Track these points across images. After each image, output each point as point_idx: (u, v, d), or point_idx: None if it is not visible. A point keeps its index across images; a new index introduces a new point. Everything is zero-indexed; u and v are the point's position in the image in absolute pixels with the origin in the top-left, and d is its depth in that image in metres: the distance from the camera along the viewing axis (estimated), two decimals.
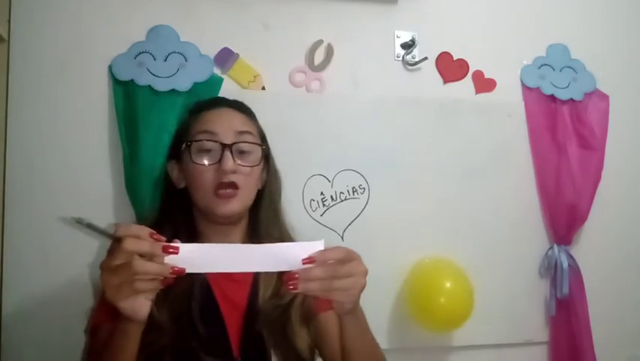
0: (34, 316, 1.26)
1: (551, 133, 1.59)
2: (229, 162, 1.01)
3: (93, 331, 1.01)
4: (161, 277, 0.76)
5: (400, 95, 1.51)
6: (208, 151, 1.04)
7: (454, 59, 1.57)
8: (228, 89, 1.37)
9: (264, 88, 1.43)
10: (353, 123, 1.47)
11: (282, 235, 1.11)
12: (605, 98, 1.64)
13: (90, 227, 0.75)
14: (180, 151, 1.08)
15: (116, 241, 0.76)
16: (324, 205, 1.44)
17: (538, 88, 1.60)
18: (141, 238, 0.76)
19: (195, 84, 1.34)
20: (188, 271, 0.77)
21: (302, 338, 1.02)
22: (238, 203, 1.04)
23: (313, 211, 1.43)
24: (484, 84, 1.58)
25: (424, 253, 1.47)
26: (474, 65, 1.57)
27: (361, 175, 1.46)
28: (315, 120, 1.44)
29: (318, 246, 0.80)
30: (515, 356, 1.54)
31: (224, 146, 1.03)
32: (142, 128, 1.29)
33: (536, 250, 1.57)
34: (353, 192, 1.46)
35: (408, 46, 1.53)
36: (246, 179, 1.04)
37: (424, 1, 1.56)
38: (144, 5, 1.38)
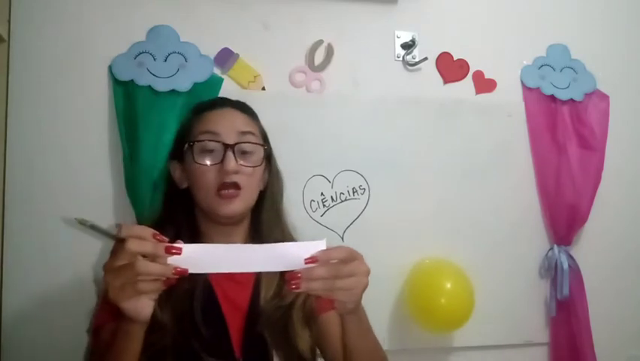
0: (34, 316, 1.26)
1: (551, 133, 1.59)
2: (231, 162, 1.02)
3: (96, 331, 1.01)
4: (164, 278, 0.76)
5: (400, 96, 1.51)
6: (210, 151, 1.04)
7: (455, 59, 1.57)
8: (228, 90, 1.37)
9: (264, 88, 1.43)
10: (353, 123, 1.47)
11: (284, 235, 1.11)
12: (605, 98, 1.64)
13: (94, 228, 0.76)
14: (183, 151, 1.08)
15: (120, 241, 0.76)
16: (324, 206, 1.43)
17: (538, 88, 1.60)
18: (144, 239, 0.76)
19: (195, 84, 1.34)
20: (190, 271, 0.77)
21: (303, 339, 1.02)
22: (240, 203, 1.04)
23: (313, 212, 1.42)
24: (484, 84, 1.58)
25: (424, 253, 1.47)
26: (474, 66, 1.57)
27: (361, 176, 1.46)
28: (315, 120, 1.44)
29: (320, 245, 0.81)
30: (516, 356, 1.54)
31: (226, 146, 1.03)
32: (142, 128, 1.29)
33: (536, 251, 1.57)
34: (353, 192, 1.46)
35: (408, 46, 1.53)
36: (248, 179, 1.05)
37: (424, 1, 1.56)
38: (144, 5, 1.38)
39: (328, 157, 1.44)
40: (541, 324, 1.56)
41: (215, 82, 1.37)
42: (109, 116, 1.33)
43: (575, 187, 1.56)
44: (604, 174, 1.60)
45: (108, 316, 0.92)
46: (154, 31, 1.36)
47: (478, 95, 1.58)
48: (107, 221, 1.29)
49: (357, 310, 0.90)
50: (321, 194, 1.43)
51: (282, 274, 0.85)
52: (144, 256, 0.75)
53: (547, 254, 1.56)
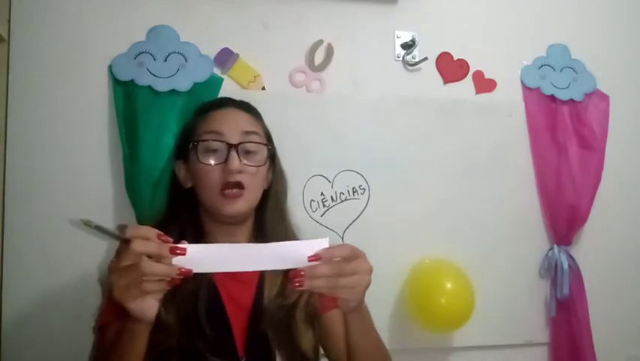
0: (34, 316, 1.26)
1: (551, 133, 1.59)
2: (235, 161, 1.02)
3: (101, 330, 1.02)
4: (169, 278, 0.77)
5: (400, 95, 1.51)
6: (214, 151, 1.05)
7: (455, 59, 1.57)
8: (228, 90, 1.37)
9: (264, 88, 1.43)
10: (353, 123, 1.47)
11: (287, 234, 1.12)
12: (605, 98, 1.64)
13: (99, 229, 0.76)
14: (187, 151, 1.09)
15: (125, 242, 0.77)
16: (324, 206, 1.43)
17: (538, 88, 1.60)
18: (149, 240, 0.77)
19: (195, 84, 1.34)
20: (195, 271, 0.78)
21: (306, 338, 1.02)
22: (244, 203, 1.04)
23: (313, 212, 1.42)
24: (484, 84, 1.58)
25: (424, 253, 1.47)
26: (474, 65, 1.57)
27: (361, 175, 1.46)
28: (315, 120, 1.44)
29: (323, 243, 0.81)
30: (516, 356, 1.54)
31: (230, 146, 1.04)
32: (142, 128, 1.29)
33: (536, 251, 1.57)
34: (353, 192, 1.46)
35: (408, 46, 1.53)
36: (252, 179, 1.05)
37: (424, 1, 1.56)
38: (144, 5, 1.38)
39: (328, 157, 1.44)
40: (541, 324, 1.56)
41: (215, 82, 1.37)
42: (109, 116, 1.33)
43: (575, 187, 1.56)
44: (604, 174, 1.60)
45: (113, 316, 0.93)
46: (154, 31, 1.36)
47: (478, 95, 1.58)
48: (107, 221, 1.29)
49: (360, 309, 0.90)
50: (321, 194, 1.43)
51: (286, 273, 0.85)
52: (149, 256, 0.76)
53: (547, 254, 1.56)
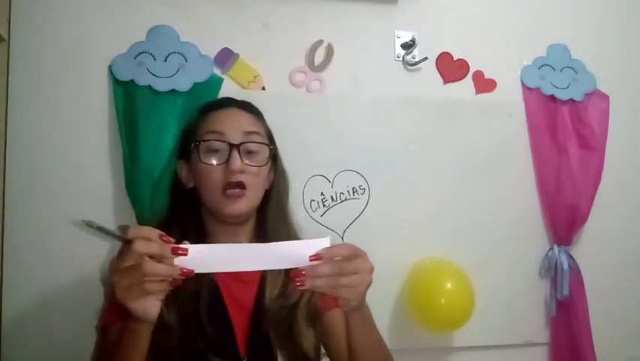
0: (33, 316, 1.26)
1: (551, 133, 1.59)
2: (237, 161, 1.02)
3: (103, 330, 1.02)
4: (171, 279, 0.77)
5: (400, 95, 1.51)
6: (216, 151, 1.05)
7: (454, 59, 1.57)
8: (228, 90, 1.37)
9: (264, 88, 1.43)
10: (353, 123, 1.47)
11: (289, 234, 1.12)
12: (605, 98, 1.64)
13: (101, 230, 0.76)
14: (189, 151, 1.09)
15: (127, 242, 0.77)
16: (324, 206, 1.43)
17: (538, 88, 1.60)
18: (151, 240, 0.77)
19: (195, 84, 1.34)
20: (197, 271, 0.79)
21: (308, 338, 1.03)
22: (246, 203, 1.04)
23: (313, 212, 1.42)
24: (484, 84, 1.58)
25: (424, 253, 1.47)
26: (474, 65, 1.57)
27: (361, 175, 1.46)
28: (315, 120, 1.44)
29: (324, 243, 0.81)
30: (515, 356, 1.54)
31: (231, 146, 1.04)
32: (142, 128, 1.29)
33: (536, 251, 1.57)
34: (353, 192, 1.46)
35: (408, 46, 1.53)
36: (254, 179, 1.05)
37: (424, 1, 1.56)
38: (144, 5, 1.38)
39: (328, 157, 1.44)
40: (541, 324, 1.56)
41: (215, 82, 1.37)
42: (109, 116, 1.33)
43: (575, 187, 1.56)
44: (604, 174, 1.60)
45: (115, 316, 0.94)
46: (154, 31, 1.36)
47: (478, 95, 1.58)
48: (107, 221, 1.29)
49: (361, 308, 0.90)
50: (321, 194, 1.43)
51: (287, 273, 0.86)
52: (151, 256, 0.76)
53: (547, 254, 1.56)
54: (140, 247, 0.75)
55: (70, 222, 1.24)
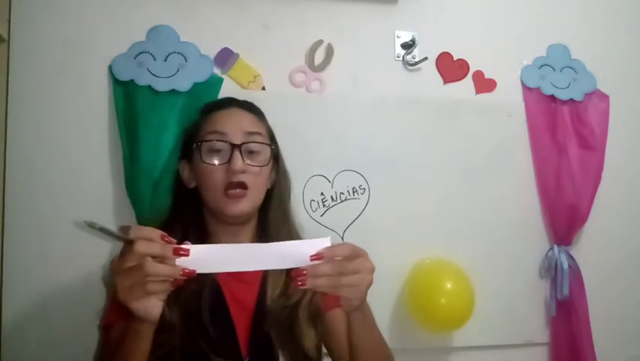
0: (34, 317, 1.26)
1: (551, 133, 1.59)
2: (238, 162, 1.02)
3: (105, 330, 1.03)
4: (172, 279, 0.78)
5: (399, 95, 1.51)
6: (218, 151, 1.05)
7: (454, 59, 1.57)
8: (228, 90, 1.37)
9: (264, 88, 1.43)
10: (353, 123, 1.47)
11: (291, 234, 1.12)
12: (605, 98, 1.64)
13: (102, 230, 0.76)
14: (191, 151, 1.09)
15: (128, 243, 0.77)
16: (324, 206, 1.43)
17: (538, 88, 1.60)
18: (153, 241, 0.78)
19: (195, 84, 1.34)
20: (198, 271, 0.79)
21: (309, 338, 1.03)
22: (247, 203, 1.05)
23: (313, 212, 1.42)
24: (484, 84, 1.58)
25: (424, 253, 1.47)
26: (474, 65, 1.57)
27: (361, 175, 1.46)
28: (315, 120, 1.44)
29: (325, 243, 0.82)
30: (516, 356, 1.54)
31: (233, 146, 1.04)
32: (142, 128, 1.29)
33: (536, 251, 1.57)
34: (353, 192, 1.46)
35: (408, 46, 1.53)
36: (255, 179, 1.05)
37: (424, 1, 1.56)
38: (144, 5, 1.38)
39: (328, 157, 1.44)
40: (541, 324, 1.56)
41: (215, 82, 1.37)
42: (109, 116, 1.33)
43: (575, 187, 1.56)
44: (604, 174, 1.60)
45: (118, 315, 0.94)
46: (154, 31, 1.36)
47: (478, 95, 1.58)
48: (107, 221, 1.29)
49: (363, 307, 0.91)
50: (321, 194, 1.43)
51: (288, 273, 0.86)
52: (153, 257, 0.76)
53: (547, 254, 1.56)
54: (141, 247, 0.76)
55: (70, 222, 1.24)
